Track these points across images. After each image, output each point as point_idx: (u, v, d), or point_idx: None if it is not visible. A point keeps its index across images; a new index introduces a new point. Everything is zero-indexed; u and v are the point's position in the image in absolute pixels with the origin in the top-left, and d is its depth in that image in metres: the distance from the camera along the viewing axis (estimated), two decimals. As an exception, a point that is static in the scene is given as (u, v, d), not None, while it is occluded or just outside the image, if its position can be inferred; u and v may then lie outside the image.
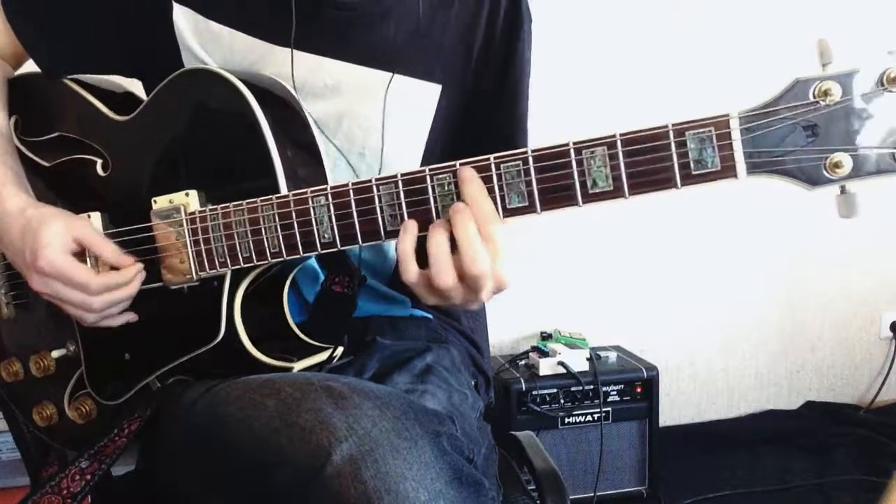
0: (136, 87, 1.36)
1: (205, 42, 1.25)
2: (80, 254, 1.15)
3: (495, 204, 0.97)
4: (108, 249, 1.15)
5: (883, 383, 3.44)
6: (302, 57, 1.24)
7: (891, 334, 3.44)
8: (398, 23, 1.25)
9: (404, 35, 1.26)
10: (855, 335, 3.46)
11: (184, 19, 1.25)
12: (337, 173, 1.25)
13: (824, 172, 0.85)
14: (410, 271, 0.98)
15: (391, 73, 1.25)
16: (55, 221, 1.13)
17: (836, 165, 0.84)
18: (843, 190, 0.86)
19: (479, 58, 1.30)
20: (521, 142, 1.34)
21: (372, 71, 1.25)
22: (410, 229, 0.99)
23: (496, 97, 1.32)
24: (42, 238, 1.11)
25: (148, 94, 1.25)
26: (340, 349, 1.25)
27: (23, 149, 1.29)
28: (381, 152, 1.26)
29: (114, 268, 1.15)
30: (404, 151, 1.28)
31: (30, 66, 1.34)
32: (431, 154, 1.30)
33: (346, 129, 1.26)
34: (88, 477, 1.12)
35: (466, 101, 1.31)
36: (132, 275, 1.15)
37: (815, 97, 0.84)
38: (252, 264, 1.10)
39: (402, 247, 0.98)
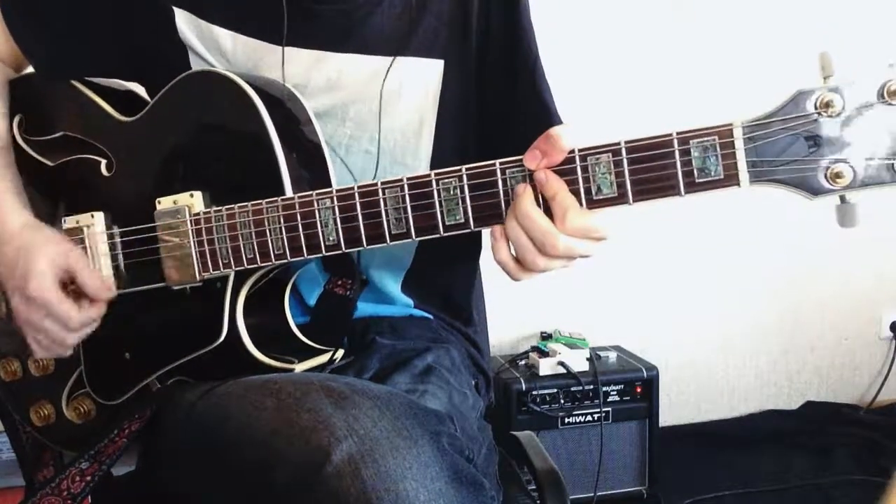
0: (136, 88, 1.35)
1: (208, 45, 1.26)
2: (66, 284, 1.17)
3: (500, 208, 0.99)
4: (94, 283, 1.17)
5: (883, 383, 3.44)
6: (303, 54, 1.24)
7: (891, 334, 3.44)
8: (391, 6, 1.26)
9: (399, 17, 1.26)
10: (855, 335, 3.45)
11: (185, 23, 1.26)
12: (351, 159, 1.26)
13: (825, 182, 0.86)
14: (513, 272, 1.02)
15: (392, 57, 1.25)
16: (49, 249, 1.15)
17: (837, 176, 0.85)
18: (843, 199, 0.87)
19: (478, 27, 1.29)
20: (550, 100, 1.34)
21: (372, 58, 1.25)
22: (500, 237, 1.01)
23: (510, 66, 1.31)
24: (35, 265, 1.13)
25: (151, 96, 1.26)
26: (341, 351, 1.25)
27: (27, 148, 1.29)
28: (386, 135, 1.27)
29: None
30: (415, 130, 1.29)
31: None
32: (447, 130, 1.30)
33: (355, 117, 1.26)
34: (88, 478, 1.12)
35: (474, 73, 1.31)
36: (102, 311, 1.18)
37: (816, 108, 0.85)
38: (256, 266, 1.10)
39: (500, 257, 1.02)
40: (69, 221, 1.22)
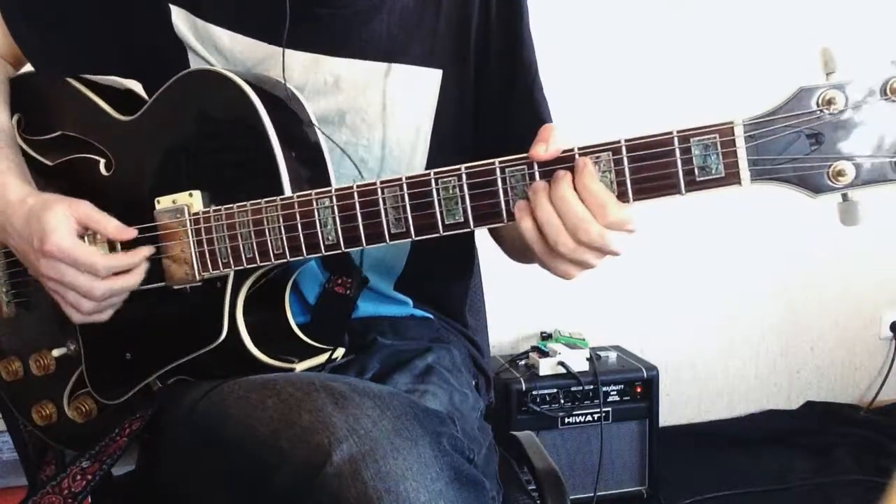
0: (134, 85, 1.35)
1: (205, 43, 1.26)
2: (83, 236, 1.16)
3: (500, 207, 0.98)
4: (111, 225, 1.15)
5: (883, 383, 3.44)
6: (300, 56, 1.24)
7: (891, 334, 3.44)
8: (391, 13, 1.25)
9: (398, 24, 1.26)
10: (855, 335, 3.46)
11: (182, 21, 1.26)
12: (345, 167, 1.25)
13: (827, 180, 0.86)
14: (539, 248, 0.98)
15: (389, 64, 1.25)
16: (58, 206, 1.13)
17: (839, 174, 0.85)
18: (845, 198, 0.87)
19: (477, 38, 1.29)
20: (546, 113, 1.33)
21: (370, 63, 1.25)
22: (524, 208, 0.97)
23: (508, 77, 1.31)
24: (48, 222, 1.11)
25: (149, 94, 1.25)
26: (341, 350, 1.25)
27: (26, 148, 1.29)
28: (382, 143, 1.27)
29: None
30: (410, 139, 1.28)
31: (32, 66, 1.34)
32: (442, 141, 1.29)
33: (350, 123, 1.26)
34: (89, 477, 1.12)
35: (471, 84, 1.30)
36: (138, 259, 1.15)
37: (818, 106, 0.84)
38: (255, 265, 1.10)
39: (525, 225, 0.97)
40: (69, 221, 1.21)
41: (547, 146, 0.95)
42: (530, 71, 1.32)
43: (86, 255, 1.12)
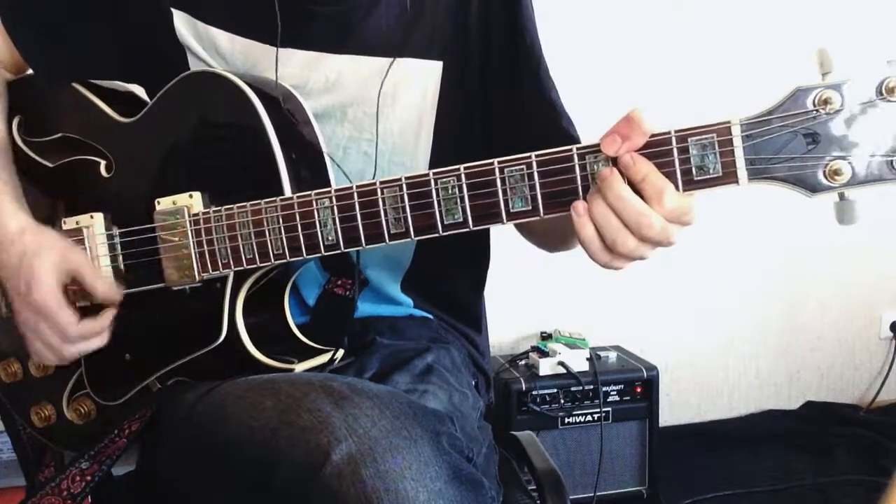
0: (136, 88, 1.35)
1: (206, 46, 1.26)
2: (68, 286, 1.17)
3: (498, 207, 0.98)
4: (100, 287, 1.17)
5: (883, 383, 3.44)
6: (301, 55, 1.24)
7: (891, 334, 3.44)
8: (389, 7, 1.25)
9: (397, 18, 1.26)
10: (855, 335, 3.46)
11: (183, 24, 1.26)
12: (348, 162, 1.26)
13: (823, 180, 0.86)
14: (597, 252, 0.97)
15: (390, 58, 1.25)
16: (51, 255, 1.14)
17: (836, 173, 0.85)
18: (841, 197, 0.87)
19: (477, 29, 1.28)
20: (555, 96, 1.31)
21: (371, 59, 1.25)
22: (584, 213, 0.95)
23: (512, 64, 1.30)
24: (36, 272, 1.12)
25: (150, 97, 1.26)
26: (341, 352, 1.25)
27: (26, 149, 1.29)
28: (385, 135, 1.27)
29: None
30: (413, 130, 1.28)
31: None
32: (446, 131, 1.29)
33: (352, 118, 1.26)
34: (88, 478, 1.12)
35: (476, 73, 1.30)
36: (106, 322, 1.17)
37: (815, 106, 0.85)
38: (255, 266, 1.11)
39: (586, 233, 0.96)
40: (69, 223, 1.22)
41: (618, 147, 0.93)
42: (535, 55, 1.30)
43: (62, 320, 1.14)
